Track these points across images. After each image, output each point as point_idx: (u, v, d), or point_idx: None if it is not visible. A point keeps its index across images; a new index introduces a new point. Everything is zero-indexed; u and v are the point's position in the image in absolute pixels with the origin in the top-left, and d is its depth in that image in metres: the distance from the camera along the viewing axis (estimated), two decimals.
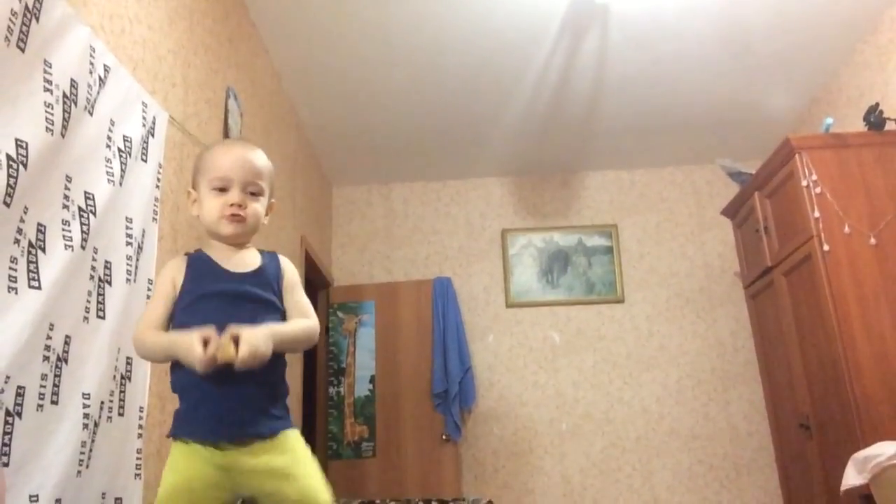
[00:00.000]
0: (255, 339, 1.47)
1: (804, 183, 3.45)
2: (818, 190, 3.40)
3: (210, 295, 1.59)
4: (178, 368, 1.55)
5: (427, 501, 1.92)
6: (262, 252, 1.75)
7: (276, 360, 1.59)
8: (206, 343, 1.43)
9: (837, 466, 2.93)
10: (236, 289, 1.61)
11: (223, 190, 1.64)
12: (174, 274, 1.64)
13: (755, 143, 4.85)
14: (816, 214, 3.38)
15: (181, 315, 1.58)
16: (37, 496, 1.49)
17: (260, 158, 1.71)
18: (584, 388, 4.95)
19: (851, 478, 2.65)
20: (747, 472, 4.72)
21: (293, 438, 1.60)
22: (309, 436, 4.55)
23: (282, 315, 1.67)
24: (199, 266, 1.65)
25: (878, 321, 3.23)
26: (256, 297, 1.62)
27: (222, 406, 1.51)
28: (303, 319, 1.67)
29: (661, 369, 4.96)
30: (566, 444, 4.85)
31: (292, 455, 1.56)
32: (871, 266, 3.30)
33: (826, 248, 3.33)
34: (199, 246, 1.77)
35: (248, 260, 1.69)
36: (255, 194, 1.68)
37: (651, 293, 5.12)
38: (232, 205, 1.63)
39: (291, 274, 1.75)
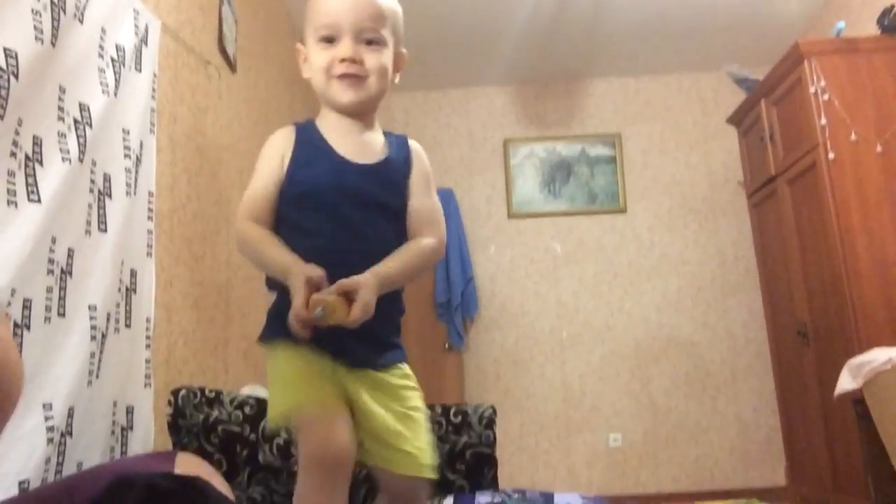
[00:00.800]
0: (370, 294, 1.14)
1: (812, 90, 3.38)
2: (826, 97, 3.34)
3: (322, 189, 1.28)
4: None
5: (431, 407, 1.96)
6: (387, 134, 1.41)
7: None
8: (312, 287, 1.13)
9: (832, 373, 2.99)
10: (354, 186, 1.29)
11: (331, 41, 1.28)
12: (282, 150, 1.33)
13: (764, 48, 4.72)
14: (823, 122, 3.33)
15: (287, 209, 1.30)
16: (50, 405, 1.52)
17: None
18: (584, 298, 5.01)
19: (845, 383, 2.71)
20: (744, 378, 4.83)
21: (408, 375, 1.37)
22: None
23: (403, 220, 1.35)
24: (310, 145, 1.33)
25: (879, 230, 3.23)
26: (378, 202, 1.30)
27: (330, 337, 1.22)
28: (423, 240, 1.31)
29: (662, 278, 5.00)
30: (566, 351, 4.94)
31: (407, 404, 1.31)
32: (875, 174, 3.27)
33: (831, 156, 3.29)
34: (302, 119, 1.44)
35: (371, 144, 1.36)
36: (374, 43, 1.29)
37: (653, 203, 5.10)
38: (343, 60, 1.27)
39: (421, 167, 1.38)
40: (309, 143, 1.33)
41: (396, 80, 1.37)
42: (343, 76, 1.28)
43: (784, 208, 3.80)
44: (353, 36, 1.27)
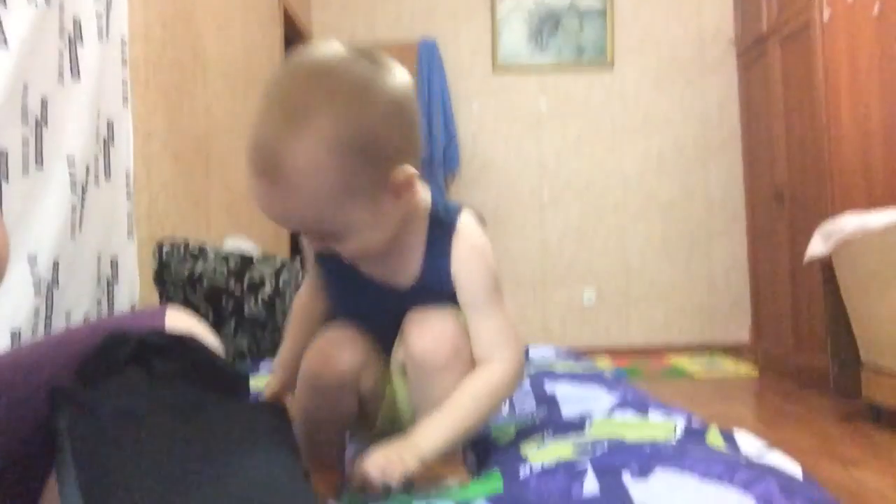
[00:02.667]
0: (381, 464, 0.84)
1: None
2: None
3: (352, 310, 1.04)
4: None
5: None
6: (430, 228, 0.98)
7: None
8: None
9: (805, 236, 3.06)
10: (387, 306, 1.00)
11: None
12: (316, 268, 1.08)
13: None
14: None
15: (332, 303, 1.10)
16: (35, 257, 1.54)
17: (299, 201, 0.83)
18: (566, 157, 5.00)
19: (816, 247, 2.79)
20: (718, 238, 4.93)
21: None
22: None
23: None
24: (336, 272, 1.03)
25: (867, 96, 3.20)
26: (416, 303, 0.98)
27: None
28: (486, 373, 0.94)
29: (645, 139, 4.98)
30: (546, 210, 4.99)
31: None
32: (869, 39, 3.20)
33: (826, 15, 3.21)
34: None
35: (404, 258, 0.98)
36: (335, 238, 0.89)
37: (642, 59, 4.99)
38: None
39: (470, 277, 0.97)
40: (333, 267, 1.02)
41: (407, 205, 0.92)
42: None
43: (773, 69, 3.74)
44: (306, 235, 0.92)
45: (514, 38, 5.01)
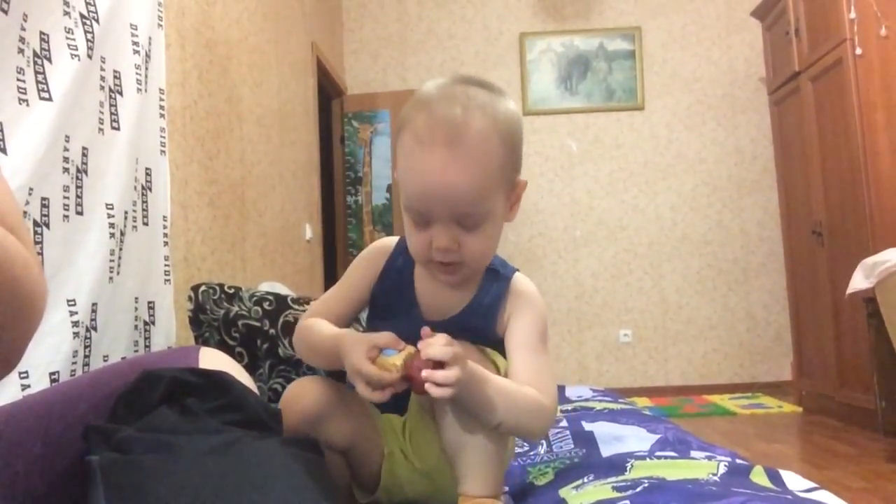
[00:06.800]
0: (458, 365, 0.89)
1: None
2: None
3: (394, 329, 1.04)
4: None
5: None
6: (489, 272, 1.09)
7: None
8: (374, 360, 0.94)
9: (845, 272, 3.00)
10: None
11: (425, 221, 1.00)
12: (371, 279, 1.13)
13: None
14: (852, 15, 3.20)
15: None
16: (74, 301, 1.56)
17: (474, 166, 0.95)
18: (599, 196, 4.99)
19: (858, 282, 2.73)
20: (756, 275, 4.86)
21: None
22: (331, 243, 4.69)
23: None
24: (395, 288, 1.11)
25: None
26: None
27: None
28: (530, 390, 0.99)
29: (678, 177, 4.96)
30: (580, 249, 4.97)
31: None
32: None
33: (859, 51, 3.19)
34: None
35: (454, 294, 1.08)
36: (477, 224, 0.99)
37: (672, 100, 4.99)
38: (439, 248, 0.99)
39: (520, 311, 1.07)
40: (397, 283, 1.11)
41: (513, 217, 1.07)
42: (439, 265, 1.02)
43: (806, 106, 3.71)
44: (450, 221, 0.98)
45: (544, 81, 5.05)
